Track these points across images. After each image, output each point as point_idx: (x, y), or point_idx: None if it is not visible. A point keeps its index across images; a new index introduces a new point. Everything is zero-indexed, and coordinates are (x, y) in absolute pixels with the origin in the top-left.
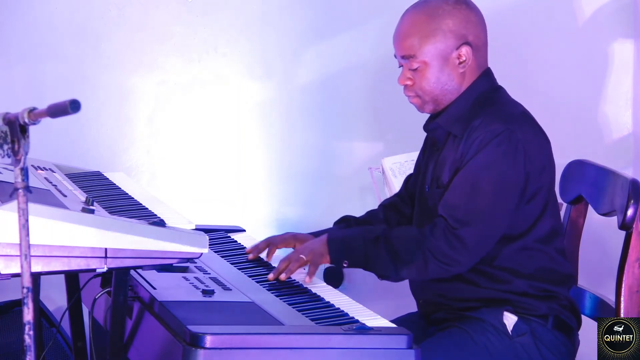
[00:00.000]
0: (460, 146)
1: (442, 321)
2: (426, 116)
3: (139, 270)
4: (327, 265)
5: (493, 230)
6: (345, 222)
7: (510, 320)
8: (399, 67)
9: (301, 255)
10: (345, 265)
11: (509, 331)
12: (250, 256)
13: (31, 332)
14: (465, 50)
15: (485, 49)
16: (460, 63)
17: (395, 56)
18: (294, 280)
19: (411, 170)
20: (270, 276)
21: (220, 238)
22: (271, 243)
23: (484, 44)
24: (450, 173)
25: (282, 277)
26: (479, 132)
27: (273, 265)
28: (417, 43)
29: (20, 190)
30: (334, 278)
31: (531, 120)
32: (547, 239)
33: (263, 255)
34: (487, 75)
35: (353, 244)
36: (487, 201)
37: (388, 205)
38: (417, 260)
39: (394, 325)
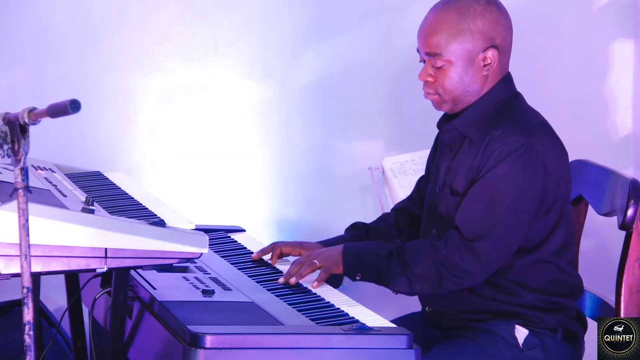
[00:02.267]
0: (478, 155)
1: (449, 329)
2: (428, 116)
3: (139, 270)
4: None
5: (509, 245)
6: (356, 229)
7: (521, 333)
8: (420, 61)
9: (314, 260)
10: (358, 278)
11: (520, 344)
12: (254, 256)
13: (31, 332)
14: (491, 54)
15: (509, 53)
16: (485, 65)
17: (417, 50)
18: None
19: (411, 171)
20: (281, 280)
21: (220, 238)
22: (277, 247)
23: (509, 48)
24: (466, 181)
25: (292, 281)
26: (499, 143)
27: (276, 267)
28: (444, 41)
29: (20, 190)
30: (334, 278)
31: (550, 131)
32: (561, 250)
33: (267, 257)
34: (507, 80)
35: (367, 258)
36: (505, 215)
37: (399, 209)
38: (430, 275)
39: (394, 325)
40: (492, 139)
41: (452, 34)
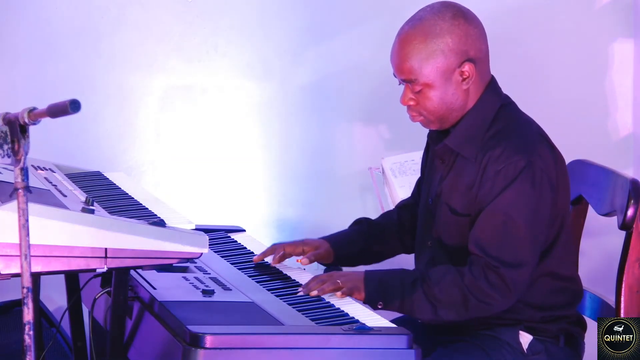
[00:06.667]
0: (478, 175)
1: (451, 334)
2: None
3: (139, 270)
4: (326, 263)
5: (532, 266)
6: (359, 224)
7: (525, 338)
8: (399, 84)
9: (338, 280)
10: (379, 307)
11: (525, 349)
12: (256, 259)
13: (31, 332)
14: (468, 67)
15: (487, 59)
16: (463, 80)
17: (394, 75)
18: (294, 280)
19: (411, 171)
20: (302, 291)
21: (220, 238)
22: (278, 249)
23: (486, 55)
24: (466, 201)
25: (314, 293)
26: (500, 164)
27: (276, 267)
28: (417, 66)
29: (20, 190)
30: None
31: (546, 140)
32: (562, 258)
33: (268, 259)
34: (492, 88)
35: (390, 287)
36: (524, 240)
37: (403, 207)
38: (456, 301)
39: (394, 325)
40: (492, 159)
41: (422, 57)
